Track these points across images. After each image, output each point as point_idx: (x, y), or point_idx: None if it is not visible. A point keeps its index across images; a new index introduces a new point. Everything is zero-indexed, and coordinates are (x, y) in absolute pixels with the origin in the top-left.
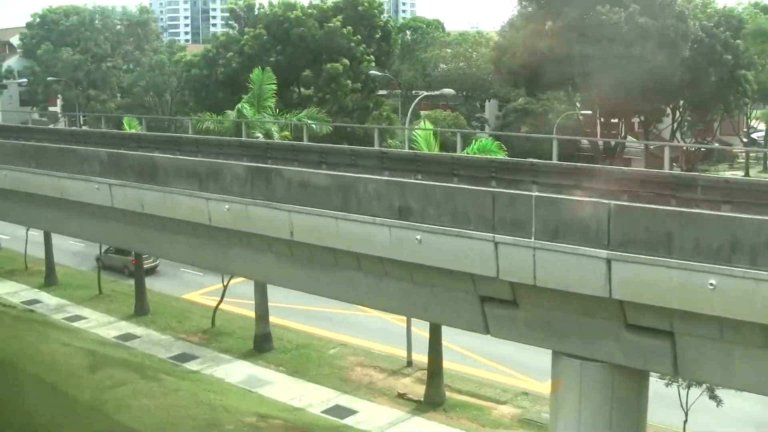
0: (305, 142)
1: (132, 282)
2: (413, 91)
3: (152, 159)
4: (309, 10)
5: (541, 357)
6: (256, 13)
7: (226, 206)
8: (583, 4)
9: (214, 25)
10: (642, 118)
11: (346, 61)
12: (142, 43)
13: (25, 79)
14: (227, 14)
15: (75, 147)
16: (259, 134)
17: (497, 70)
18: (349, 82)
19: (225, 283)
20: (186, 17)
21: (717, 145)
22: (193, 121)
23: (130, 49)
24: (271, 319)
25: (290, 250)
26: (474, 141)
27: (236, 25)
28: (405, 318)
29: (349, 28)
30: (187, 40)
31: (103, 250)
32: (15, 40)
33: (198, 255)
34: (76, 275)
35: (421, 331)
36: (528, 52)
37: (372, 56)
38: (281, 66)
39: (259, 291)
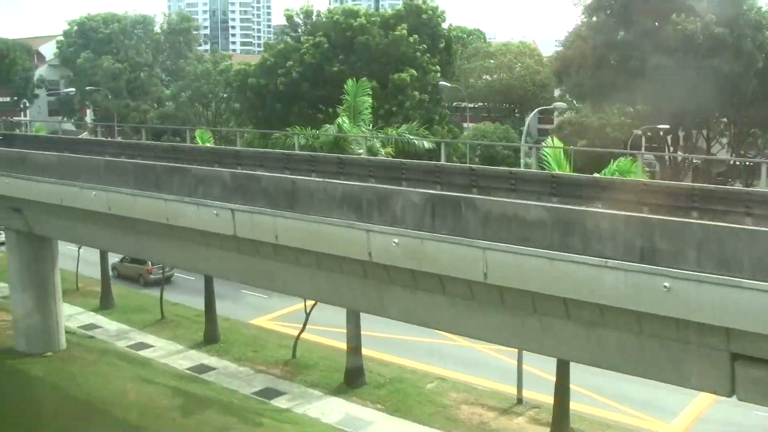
0: (425, 162)
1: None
2: (454, 103)
3: (293, 182)
4: (372, 18)
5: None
6: (313, 20)
7: (395, 240)
8: (657, 14)
9: (233, 35)
10: (706, 132)
11: (413, 72)
12: (184, 51)
13: (72, 89)
14: (247, 24)
15: (188, 166)
16: (360, 150)
17: (559, 82)
18: (416, 93)
19: (308, 311)
20: (205, 27)
21: None
22: (279, 135)
23: (171, 58)
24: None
25: (472, 293)
26: (611, 161)
27: (292, 32)
28: (503, 348)
29: (415, 36)
30: (206, 50)
31: (118, 258)
32: (44, 49)
33: (346, 295)
34: (130, 296)
35: (527, 366)
36: (597, 63)
37: (438, 66)
38: (344, 76)
39: (352, 321)
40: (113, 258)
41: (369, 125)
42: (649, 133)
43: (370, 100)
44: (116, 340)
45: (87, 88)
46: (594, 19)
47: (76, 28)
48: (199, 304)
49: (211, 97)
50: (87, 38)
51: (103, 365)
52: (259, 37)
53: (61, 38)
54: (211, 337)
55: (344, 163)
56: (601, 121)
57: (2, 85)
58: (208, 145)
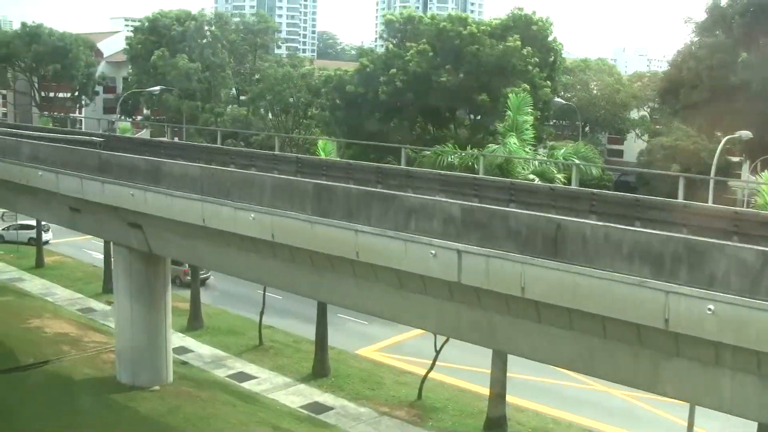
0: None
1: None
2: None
3: (557, 225)
4: (482, 27)
5: None
6: (413, 26)
7: (710, 306)
8: None
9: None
10: None
11: (527, 86)
12: (260, 52)
13: (157, 88)
14: (293, 29)
15: (395, 193)
16: (532, 176)
17: (664, 103)
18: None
19: (438, 348)
20: None
21: None
22: (431, 153)
23: (249, 60)
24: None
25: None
26: None
27: (392, 38)
28: (662, 400)
29: (528, 49)
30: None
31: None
32: (102, 46)
33: (624, 370)
34: (219, 315)
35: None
36: (713, 86)
37: (548, 81)
38: (450, 88)
39: (497, 363)
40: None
41: (532, 146)
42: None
43: (532, 119)
44: (213, 368)
45: (158, 87)
46: (705, 38)
47: (148, 24)
48: (284, 325)
49: (292, 102)
50: (159, 35)
51: (218, 405)
52: (304, 43)
53: (130, 34)
54: (320, 370)
55: (518, 190)
56: (696, 145)
57: (64, 80)
58: (335, 158)
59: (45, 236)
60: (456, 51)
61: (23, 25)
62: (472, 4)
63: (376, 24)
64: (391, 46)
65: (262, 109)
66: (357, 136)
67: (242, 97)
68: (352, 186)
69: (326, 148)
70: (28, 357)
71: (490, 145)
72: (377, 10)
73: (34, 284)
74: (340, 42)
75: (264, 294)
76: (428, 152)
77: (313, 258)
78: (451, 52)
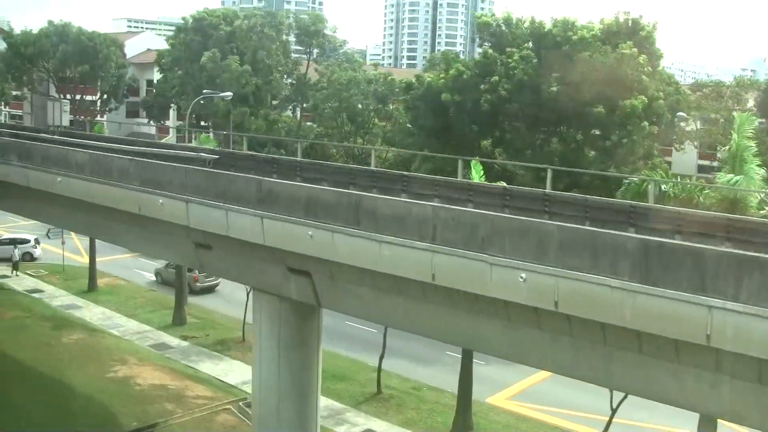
0: None
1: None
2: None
3: None
4: (593, 32)
5: None
6: (508, 28)
7: None
8: None
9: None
10: None
11: (644, 98)
12: (316, 55)
13: (230, 93)
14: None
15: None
16: None
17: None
18: (645, 123)
19: (615, 405)
20: None
21: None
22: (636, 180)
23: (300, 62)
24: None
25: None
26: None
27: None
28: None
29: (644, 56)
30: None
31: (163, 264)
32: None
33: None
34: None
35: None
36: None
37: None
38: (559, 98)
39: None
40: (157, 263)
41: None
42: None
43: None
44: (335, 424)
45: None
46: None
47: (192, 23)
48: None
49: (361, 109)
50: (205, 35)
51: None
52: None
53: (156, 35)
54: (463, 426)
55: None
56: None
57: (92, 82)
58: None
59: (35, 252)
60: (564, 58)
61: (50, 23)
62: (483, 0)
63: (384, 26)
64: (490, 51)
65: (326, 117)
66: (444, 148)
67: (303, 104)
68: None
69: (477, 169)
70: (131, 419)
71: (721, 173)
72: (386, 14)
73: (92, 313)
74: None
75: (385, 335)
76: (633, 178)
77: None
78: (557, 58)
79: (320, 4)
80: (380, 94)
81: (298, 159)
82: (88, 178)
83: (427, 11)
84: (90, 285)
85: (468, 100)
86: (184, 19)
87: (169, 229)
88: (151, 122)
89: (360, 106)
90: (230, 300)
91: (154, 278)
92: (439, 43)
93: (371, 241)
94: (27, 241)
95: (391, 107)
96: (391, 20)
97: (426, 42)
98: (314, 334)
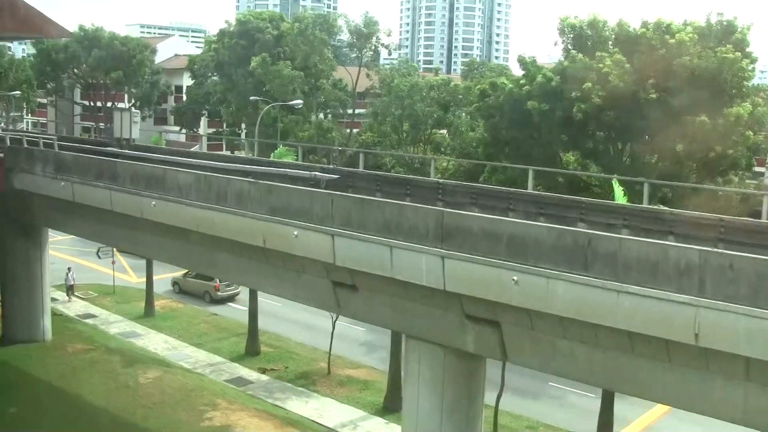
0: None
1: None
2: None
3: None
4: (690, 34)
5: None
6: (594, 31)
7: None
8: None
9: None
10: None
11: (748, 105)
12: (367, 61)
13: (300, 101)
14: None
15: None
16: None
17: None
18: (750, 133)
19: None
20: None
21: None
22: None
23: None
24: None
25: None
26: None
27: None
28: None
29: (747, 60)
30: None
31: (181, 273)
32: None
33: None
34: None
35: None
36: None
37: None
38: (656, 106)
39: None
40: (174, 271)
41: None
42: None
43: None
44: None
45: (252, 98)
46: None
47: (235, 27)
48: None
49: (423, 117)
50: (251, 39)
51: None
52: None
53: (212, 36)
54: None
55: None
56: None
57: (124, 89)
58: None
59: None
60: (660, 63)
61: (80, 28)
62: (500, 4)
63: (401, 24)
64: (580, 56)
65: (388, 126)
66: (523, 159)
67: (358, 110)
68: None
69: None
70: None
71: None
72: (401, 17)
73: (155, 342)
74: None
75: (503, 373)
76: None
77: None
78: (652, 63)
79: (334, 9)
80: (442, 101)
81: (438, 180)
82: (193, 203)
83: (444, 14)
84: (147, 309)
85: (557, 108)
86: (227, 22)
87: (299, 264)
88: (183, 130)
89: (422, 114)
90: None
91: (171, 287)
92: (455, 47)
93: (607, 291)
94: None
95: (452, 115)
96: (407, 23)
97: (443, 45)
98: (481, 388)
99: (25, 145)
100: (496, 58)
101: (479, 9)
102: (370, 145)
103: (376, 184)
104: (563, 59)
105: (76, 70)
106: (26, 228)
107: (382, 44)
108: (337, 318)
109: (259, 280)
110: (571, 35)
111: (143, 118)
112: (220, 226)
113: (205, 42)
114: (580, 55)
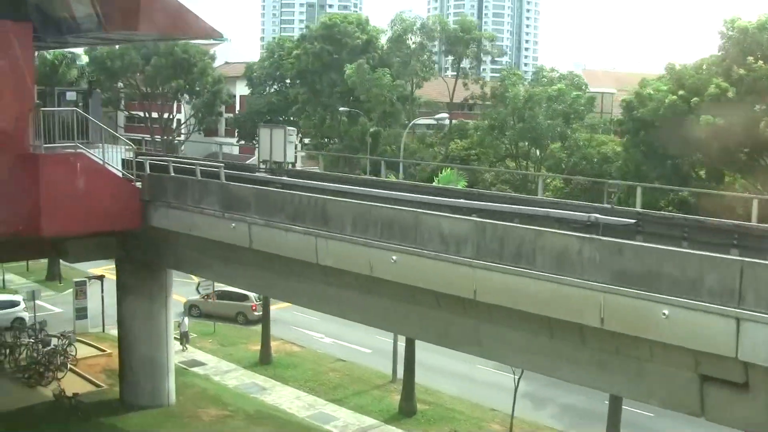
0: None
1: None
2: None
3: None
4: None
5: None
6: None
7: None
8: None
9: None
10: None
11: None
12: (466, 67)
13: (446, 114)
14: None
15: None
16: None
17: None
18: None
19: None
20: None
21: None
22: None
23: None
24: None
25: None
26: None
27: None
28: None
29: None
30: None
31: (200, 295)
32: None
33: None
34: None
35: None
36: None
37: None
38: None
39: None
40: (191, 294)
41: None
42: None
43: None
44: None
45: (342, 109)
46: None
47: (321, 31)
48: None
49: (545, 130)
50: (338, 45)
51: None
52: None
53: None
54: None
55: None
56: None
57: (179, 98)
58: None
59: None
60: None
61: None
62: (528, 11)
63: (392, 19)
64: (761, 63)
65: (507, 140)
66: (682, 181)
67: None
68: None
69: None
70: None
71: None
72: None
73: (286, 398)
74: None
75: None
76: None
77: None
78: None
79: (360, 8)
80: (562, 113)
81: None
82: (471, 261)
83: (473, 5)
84: (263, 355)
85: (735, 124)
86: (308, 26)
87: (647, 350)
88: (241, 141)
89: (544, 127)
90: (292, 327)
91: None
92: None
93: None
94: (17, 304)
95: (570, 128)
96: (401, 12)
97: None
98: None
99: (172, 173)
100: (525, 65)
101: (508, 15)
102: (465, 159)
103: (681, 230)
104: (720, 66)
105: (132, 80)
106: (150, 271)
107: (484, 50)
108: (521, 375)
109: (571, 370)
110: (741, 39)
111: (200, 130)
112: (518, 294)
113: (266, 49)
114: (760, 63)
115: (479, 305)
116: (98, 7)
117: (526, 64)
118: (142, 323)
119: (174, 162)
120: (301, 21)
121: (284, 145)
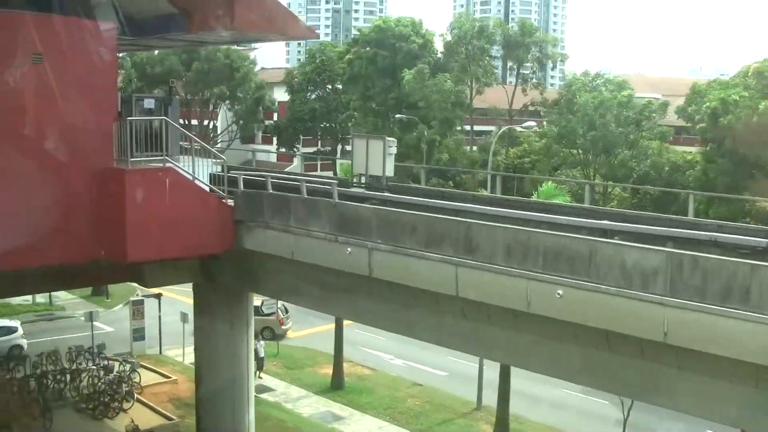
0: None
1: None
2: None
3: None
4: None
5: None
6: None
7: None
8: None
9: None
10: None
11: None
12: (528, 72)
13: (533, 123)
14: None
15: None
16: None
17: None
18: None
19: None
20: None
21: None
22: None
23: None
24: None
25: None
26: None
27: None
28: None
29: None
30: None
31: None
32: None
33: None
34: None
35: None
36: None
37: None
38: None
39: None
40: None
41: None
42: None
43: None
44: None
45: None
46: None
47: (373, 34)
48: None
49: (616, 139)
50: (392, 49)
51: None
52: None
53: (315, 47)
54: None
55: None
56: None
57: (220, 104)
58: None
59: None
60: None
61: None
62: (555, 6)
63: (451, 22)
64: None
65: (578, 149)
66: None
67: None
68: None
69: None
70: None
71: None
72: (455, 6)
73: (366, 427)
74: None
75: None
76: None
77: None
78: None
79: (385, 11)
80: (633, 120)
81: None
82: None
83: (499, 10)
84: (335, 380)
85: None
86: (359, 30)
87: None
88: (281, 149)
89: (616, 135)
90: (357, 347)
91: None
92: None
93: None
94: (14, 330)
95: (641, 135)
96: (460, 15)
97: None
98: None
99: (270, 190)
100: (552, 68)
101: (534, 20)
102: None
103: None
104: None
105: (173, 86)
106: (232, 295)
107: (546, 55)
108: (631, 406)
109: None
110: None
111: (242, 138)
112: (725, 338)
113: (309, 54)
114: None
115: (665, 348)
116: (189, 5)
117: (553, 68)
118: (223, 350)
119: (273, 177)
120: (326, 27)
121: (384, 157)
